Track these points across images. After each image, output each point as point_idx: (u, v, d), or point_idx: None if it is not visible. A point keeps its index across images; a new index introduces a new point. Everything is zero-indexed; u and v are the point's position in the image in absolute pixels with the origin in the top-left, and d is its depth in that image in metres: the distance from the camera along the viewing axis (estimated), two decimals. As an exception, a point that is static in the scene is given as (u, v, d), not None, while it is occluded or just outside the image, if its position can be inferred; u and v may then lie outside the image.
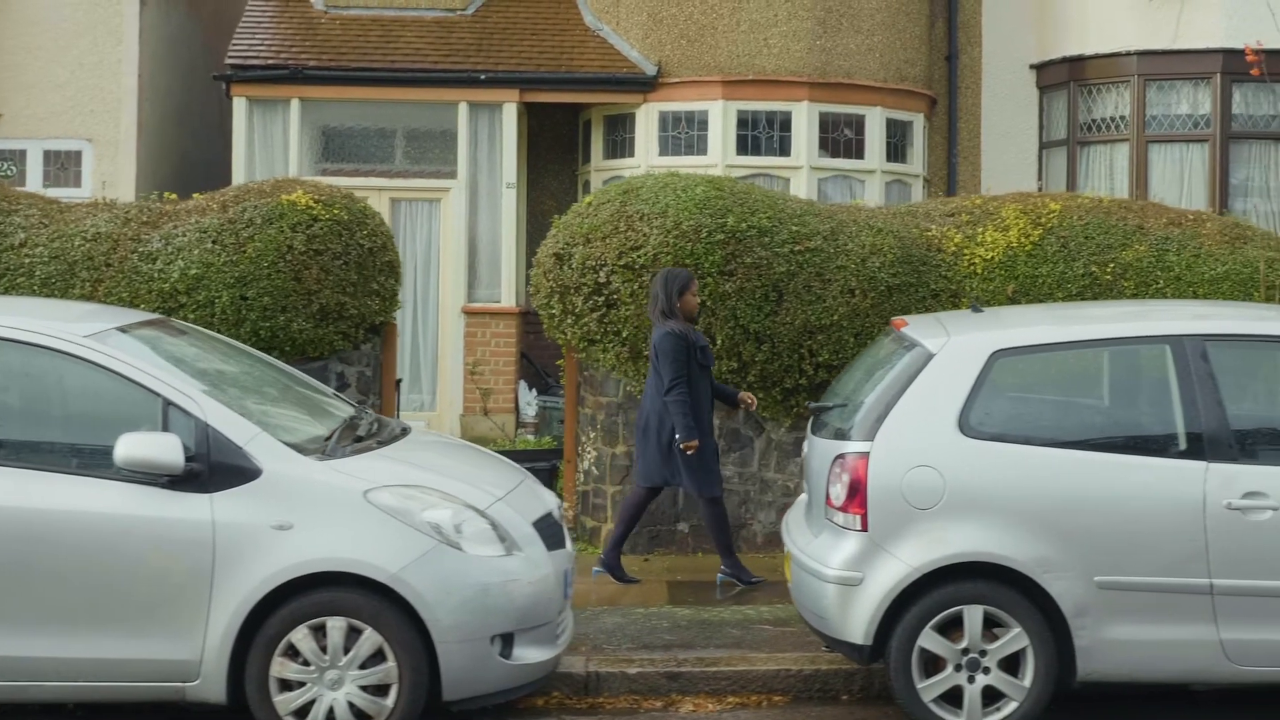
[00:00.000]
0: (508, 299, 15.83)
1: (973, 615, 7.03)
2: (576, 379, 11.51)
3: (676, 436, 9.64)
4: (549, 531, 7.34)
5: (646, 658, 8.25)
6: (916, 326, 7.77)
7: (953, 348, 7.32)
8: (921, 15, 16.68)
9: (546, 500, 7.61)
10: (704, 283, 10.56)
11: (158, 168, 16.89)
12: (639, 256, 10.66)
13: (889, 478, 7.09)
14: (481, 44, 16.08)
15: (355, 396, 11.33)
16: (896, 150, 16.33)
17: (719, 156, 15.63)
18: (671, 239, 10.62)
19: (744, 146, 15.75)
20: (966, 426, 7.13)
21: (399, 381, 12.52)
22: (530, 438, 15.00)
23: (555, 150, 17.04)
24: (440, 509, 6.91)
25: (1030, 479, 7.06)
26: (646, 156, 15.84)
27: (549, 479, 11.93)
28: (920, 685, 7.07)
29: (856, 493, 7.12)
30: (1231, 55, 15.70)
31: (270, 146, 15.69)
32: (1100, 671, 7.06)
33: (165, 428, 6.80)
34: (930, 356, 7.30)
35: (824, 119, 15.82)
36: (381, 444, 7.42)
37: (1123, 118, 16.35)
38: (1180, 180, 16.05)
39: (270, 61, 15.65)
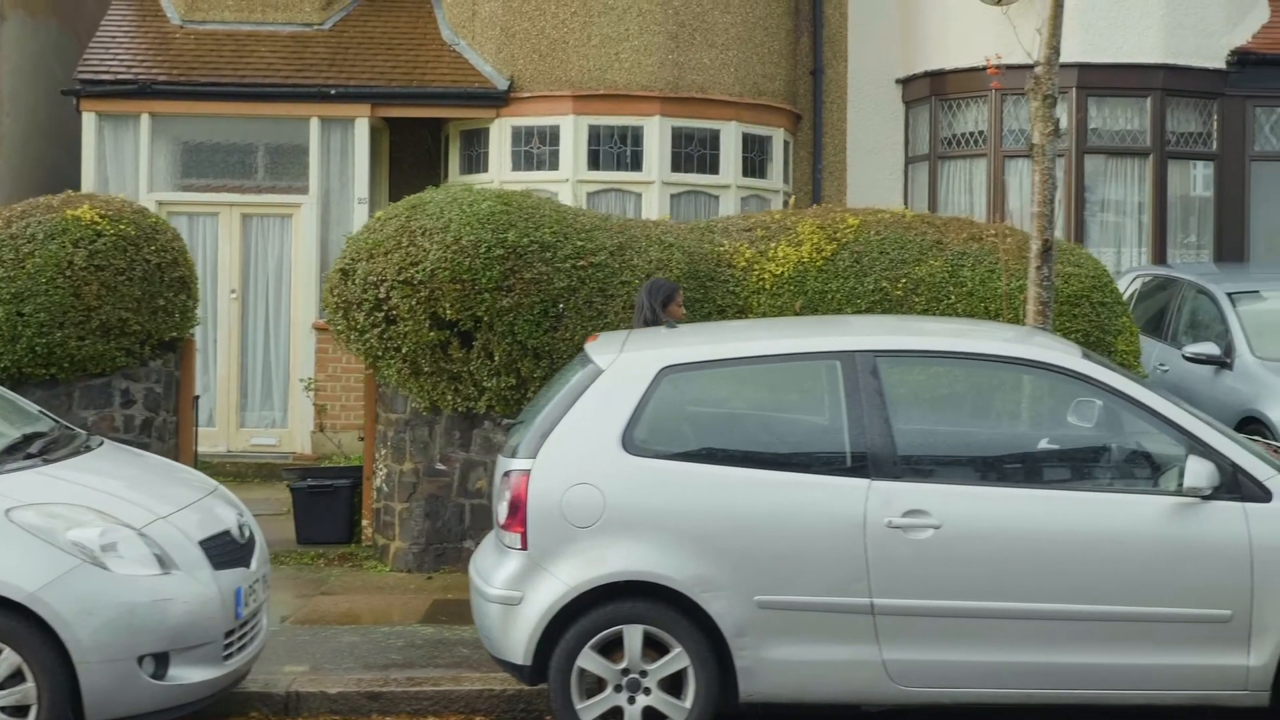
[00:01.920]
0: (360, 315, 15.69)
1: (632, 635, 6.93)
2: (375, 395, 11.44)
3: None
4: (221, 550, 7.24)
5: (354, 677, 8.17)
6: (599, 343, 7.66)
7: (621, 364, 7.22)
8: (782, 30, 16.59)
9: (224, 518, 7.50)
10: (481, 298, 10.48)
11: (20, 182, 16.82)
12: (417, 272, 10.57)
13: (549, 495, 6.99)
14: (336, 59, 16.02)
15: (143, 413, 11.27)
16: (755, 165, 16.23)
17: (570, 172, 15.54)
18: (450, 254, 10.52)
19: (595, 162, 15.66)
20: (630, 444, 7.03)
21: (198, 397, 12.45)
22: (377, 454, 14.89)
23: (418, 166, 16.95)
24: (88, 528, 6.82)
25: (691, 497, 6.95)
26: (500, 171, 15.76)
27: (350, 496, 11.85)
28: (580, 706, 6.96)
29: (517, 510, 7.02)
30: (1088, 70, 15.66)
31: (121, 162, 15.61)
32: (763, 692, 6.96)
33: None
34: (599, 373, 7.21)
35: (677, 134, 15.73)
36: (49, 461, 7.32)
37: (981, 133, 16.27)
38: (1038, 195, 15.92)
39: (121, 76, 15.59)
